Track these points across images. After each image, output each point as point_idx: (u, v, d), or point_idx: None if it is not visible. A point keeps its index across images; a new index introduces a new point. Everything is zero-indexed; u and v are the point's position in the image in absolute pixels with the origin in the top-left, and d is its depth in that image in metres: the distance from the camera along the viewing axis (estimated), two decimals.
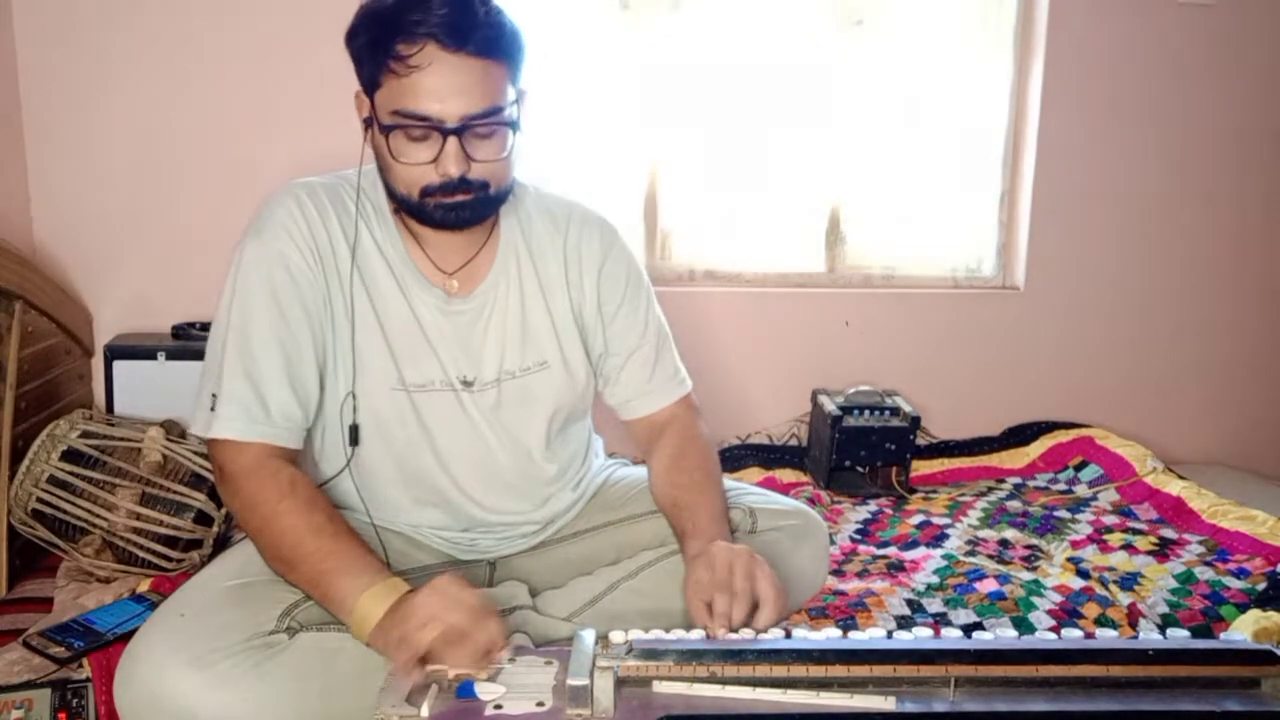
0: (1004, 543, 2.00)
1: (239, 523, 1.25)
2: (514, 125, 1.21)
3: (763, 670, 0.99)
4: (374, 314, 1.28)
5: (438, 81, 1.15)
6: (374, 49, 1.17)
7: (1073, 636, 1.08)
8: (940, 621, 1.66)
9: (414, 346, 1.30)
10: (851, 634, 1.07)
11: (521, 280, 1.35)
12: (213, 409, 1.22)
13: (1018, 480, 2.40)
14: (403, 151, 1.19)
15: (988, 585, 1.78)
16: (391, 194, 1.26)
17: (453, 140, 1.17)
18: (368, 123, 1.23)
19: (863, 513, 2.18)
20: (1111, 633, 1.09)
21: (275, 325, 1.23)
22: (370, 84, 1.20)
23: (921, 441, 2.47)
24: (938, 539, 2.02)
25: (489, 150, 1.20)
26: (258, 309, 1.23)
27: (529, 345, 1.35)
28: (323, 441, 1.32)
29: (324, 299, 1.26)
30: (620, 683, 0.98)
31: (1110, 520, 2.11)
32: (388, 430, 1.30)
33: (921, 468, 2.42)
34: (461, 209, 1.22)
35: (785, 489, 2.22)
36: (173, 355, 2.06)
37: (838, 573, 1.85)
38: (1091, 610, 1.69)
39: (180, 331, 2.15)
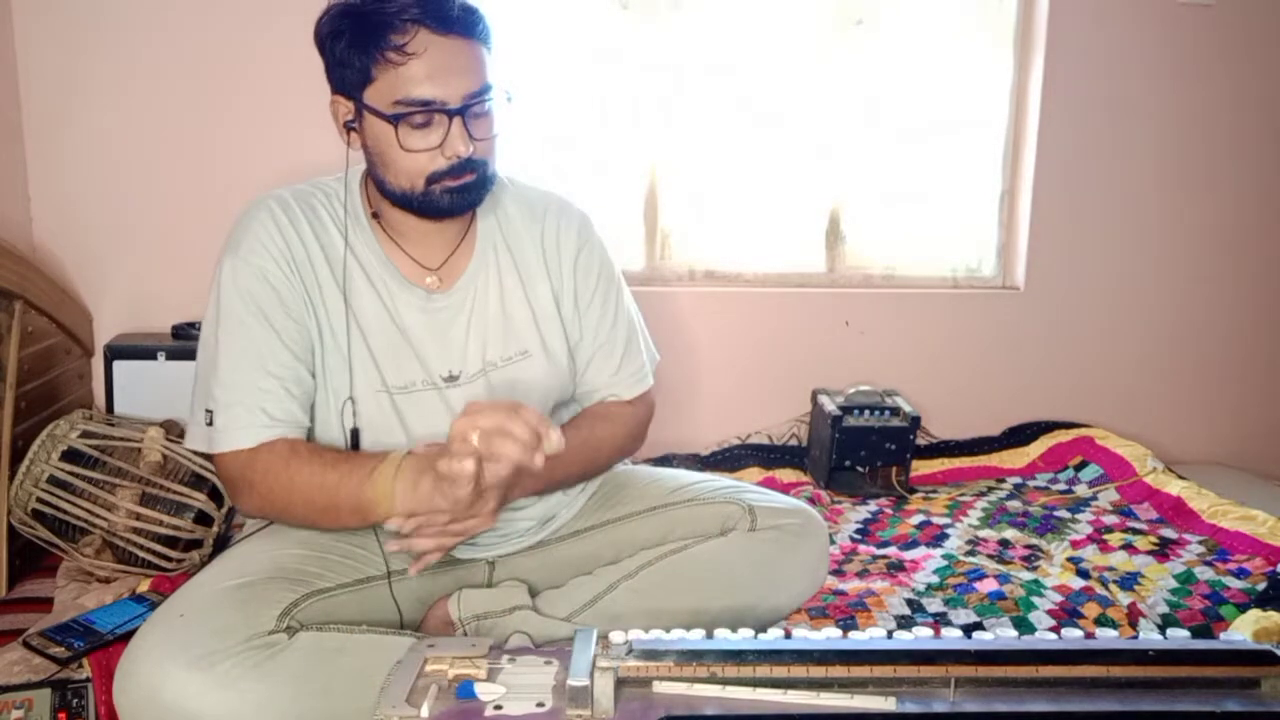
0: (1004, 542, 2.00)
1: (265, 515, 1.27)
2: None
3: (763, 670, 0.99)
4: (355, 319, 1.29)
5: (435, 65, 1.18)
6: (363, 45, 1.19)
7: (1073, 636, 1.08)
8: (940, 621, 1.66)
9: (395, 348, 1.31)
10: (851, 634, 1.07)
11: (500, 272, 1.36)
12: (210, 424, 1.23)
13: (1018, 480, 2.40)
14: (409, 140, 1.20)
15: (988, 585, 1.78)
16: (387, 192, 1.26)
17: (457, 121, 1.20)
18: (349, 126, 1.24)
19: (863, 513, 2.18)
20: (1111, 633, 1.09)
21: (265, 336, 1.24)
22: (359, 82, 1.21)
23: (921, 441, 2.47)
24: (938, 539, 2.02)
25: (485, 128, 1.24)
26: (244, 324, 1.24)
27: (510, 336, 1.36)
28: None
29: (306, 308, 1.27)
30: (620, 683, 0.98)
31: (1110, 520, 2.11)
32: (375, 435, 1.31)
33: (921, 468, 2.42)
34: (468, 191, 1.25)
35: (785, 489, 2.22)
36: (173, 355, 2.06)
37: (838, 573, 1.85)
38: (1091, 610, 1.69)
39: (180, 331, 2.14)
